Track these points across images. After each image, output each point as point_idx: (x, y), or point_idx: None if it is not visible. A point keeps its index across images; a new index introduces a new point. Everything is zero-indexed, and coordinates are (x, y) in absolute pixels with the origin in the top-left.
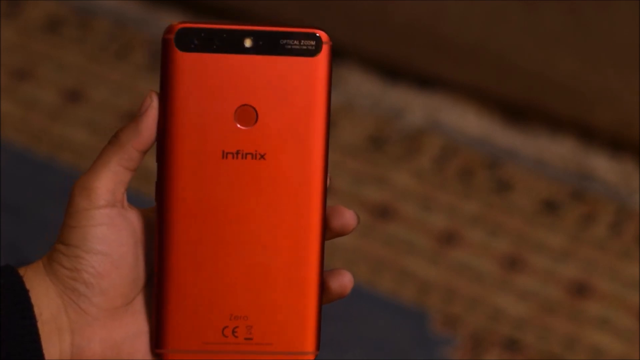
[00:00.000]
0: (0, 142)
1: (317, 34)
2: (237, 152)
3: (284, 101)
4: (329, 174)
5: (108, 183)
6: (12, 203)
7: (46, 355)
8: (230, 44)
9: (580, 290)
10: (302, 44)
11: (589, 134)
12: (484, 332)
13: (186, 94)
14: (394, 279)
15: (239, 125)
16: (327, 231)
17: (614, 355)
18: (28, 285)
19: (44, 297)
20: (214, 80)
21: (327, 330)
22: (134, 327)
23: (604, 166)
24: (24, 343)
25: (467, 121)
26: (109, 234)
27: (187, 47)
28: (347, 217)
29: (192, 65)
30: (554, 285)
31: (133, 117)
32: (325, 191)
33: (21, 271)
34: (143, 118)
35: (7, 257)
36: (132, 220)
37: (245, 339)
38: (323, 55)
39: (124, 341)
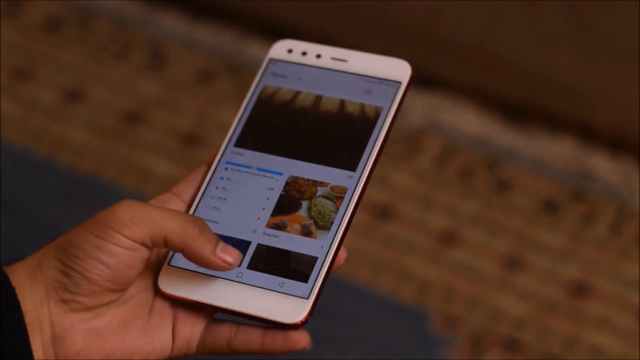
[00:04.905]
0: (0, 142)
1: None
2: None
3: None
4: None
5: (152, 234)
6: (12, 203)
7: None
8: None
9: (580, 290)
10: None
11: (589, 134)
12: (484, 332)
13: None
14: (394, 279)
15: None
16: None
17: (614, 355)
18: (15, 280)
19: (29, 289)
20: None
21: (328, 329)
22: (119, 317)
23: (604, 166)
24: (13, 340)
25: (467, 121)
26: (124, 257)
27: None
28: None
29: None
30: (554, 285)
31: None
32: None
33: (7, 269)
34: (216, 263)
35: (7, 257)
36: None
37: None
38: None
39: (107, 328)
